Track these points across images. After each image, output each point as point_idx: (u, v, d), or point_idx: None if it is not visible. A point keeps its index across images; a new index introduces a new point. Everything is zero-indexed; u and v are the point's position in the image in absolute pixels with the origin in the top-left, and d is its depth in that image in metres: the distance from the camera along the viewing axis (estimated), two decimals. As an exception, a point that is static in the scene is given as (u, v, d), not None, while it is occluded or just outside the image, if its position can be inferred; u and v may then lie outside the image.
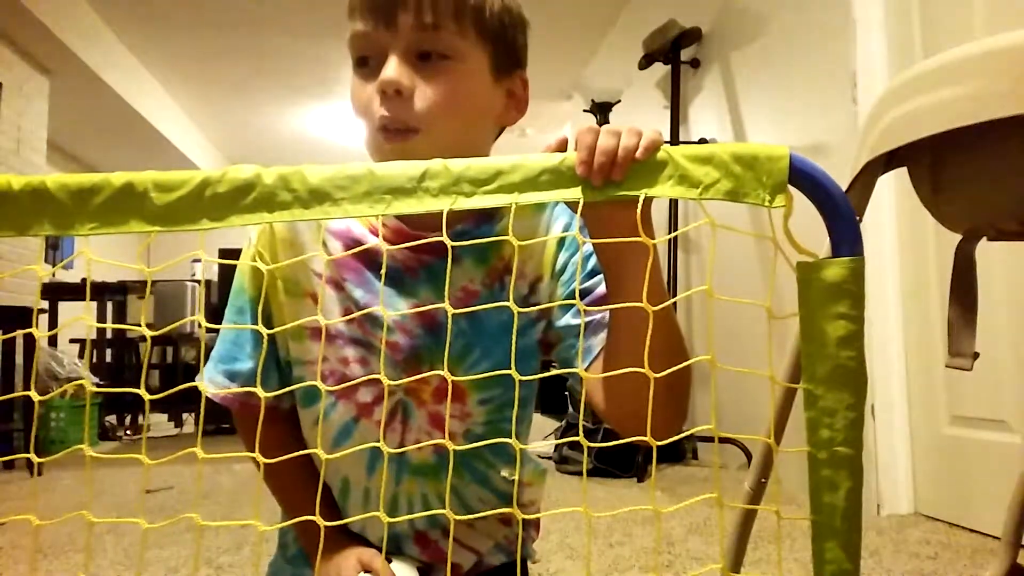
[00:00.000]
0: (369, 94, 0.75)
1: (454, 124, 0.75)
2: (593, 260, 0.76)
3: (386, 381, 0.59)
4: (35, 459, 0.59)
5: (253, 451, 0.58)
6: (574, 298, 0.73)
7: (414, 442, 0.79)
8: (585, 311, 0.75)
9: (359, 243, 0.80)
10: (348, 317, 0.78)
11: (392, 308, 0.78)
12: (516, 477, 0.82)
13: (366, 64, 0.76)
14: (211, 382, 0.81)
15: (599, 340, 0.74)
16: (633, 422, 0.66)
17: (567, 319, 0.79)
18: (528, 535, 0.91)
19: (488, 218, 0.80)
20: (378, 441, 0.59)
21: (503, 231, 0.77)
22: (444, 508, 0.56)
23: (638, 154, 0.55)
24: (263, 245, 0.80)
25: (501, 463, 0.83)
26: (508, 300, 0.58)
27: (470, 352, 0.79)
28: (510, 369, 0.56)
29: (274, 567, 0.89)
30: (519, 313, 0.56)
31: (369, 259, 0.79)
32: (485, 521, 0.84)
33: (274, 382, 0.81)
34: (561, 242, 0.80)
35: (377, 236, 0.79)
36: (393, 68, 0.73)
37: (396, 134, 0.73)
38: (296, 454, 0.68)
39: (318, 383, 0.60)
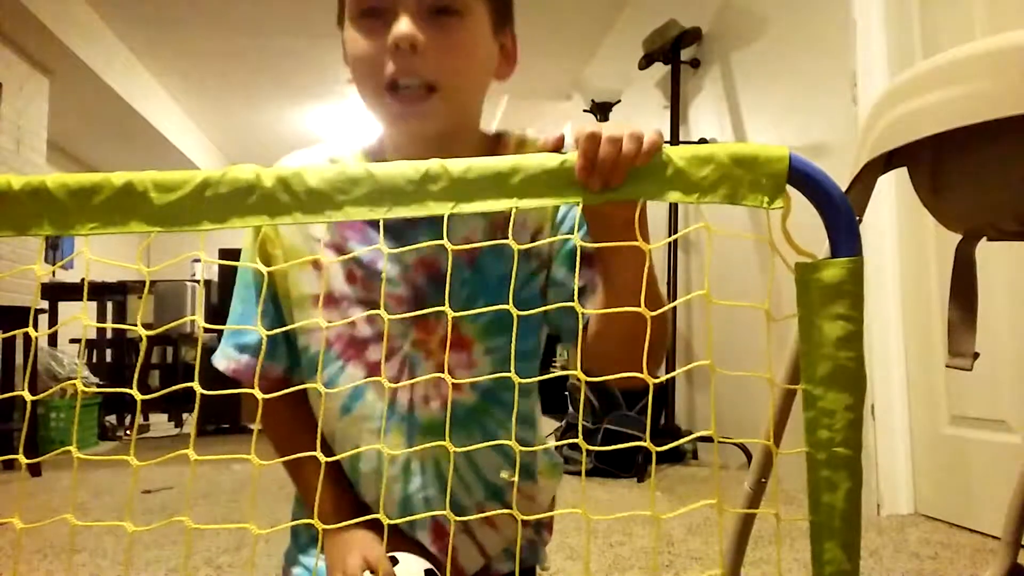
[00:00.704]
0: (375, 49, 0.74)
1: (466, 79, 0.76)
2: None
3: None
4: (23, 460, 0.59)
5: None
6: (573, 251, 0.77)
7: (422, 397, 0.79)
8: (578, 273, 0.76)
9: None
10: (353, 316, 0.78)
11: (394, 260, 0.78)
12: (515, 457, 0.82)
13: (371, 16, 0.75)
14: (223, 356, 0.83)
15: (589, 303, 0.76)
16: (612, 369, 0.65)
17: (564, 274, 0.80)
18: (540, 537, 0.90)
19: None
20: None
21: None
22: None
23: (638, 161, 0.56)
24: None
25: (510, 421, 0.82)
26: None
27: (474, 302, 0.79)
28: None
29: (288, 557, 0.90)
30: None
31: None
32: (497, 516, 0.84)
33: (283, 353, 0.82)
34: None
35: None
36: (408, 23, 0.72)
37: (412, 100, 0.73)
38: (305, 447, 0.68)
39: (321, 375, 0.60)
